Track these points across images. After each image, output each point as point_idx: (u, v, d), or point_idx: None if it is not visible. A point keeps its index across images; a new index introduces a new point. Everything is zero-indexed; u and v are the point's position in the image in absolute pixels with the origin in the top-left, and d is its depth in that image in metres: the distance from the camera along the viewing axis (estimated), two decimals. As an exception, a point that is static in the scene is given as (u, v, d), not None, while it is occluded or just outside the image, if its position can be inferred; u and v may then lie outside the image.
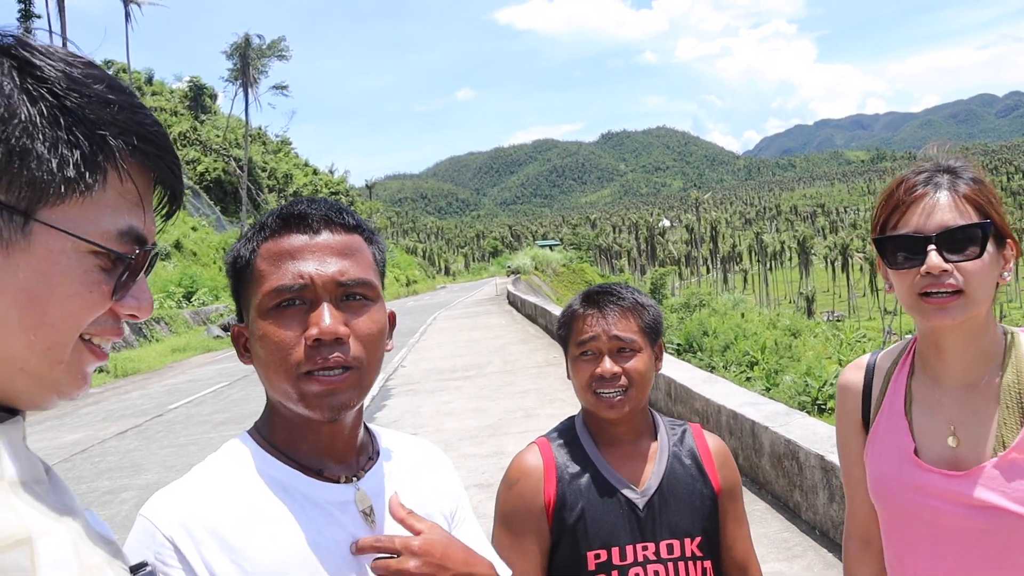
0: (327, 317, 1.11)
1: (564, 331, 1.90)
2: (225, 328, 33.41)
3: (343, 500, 1.18)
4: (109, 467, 10.37)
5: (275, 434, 1.21)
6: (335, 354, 1.11)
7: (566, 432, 1.90)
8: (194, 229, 51.69)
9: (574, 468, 1.82)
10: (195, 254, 47.21)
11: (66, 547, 0.79)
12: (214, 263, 47.08)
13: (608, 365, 1.77)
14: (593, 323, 1.81)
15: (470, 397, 12.36)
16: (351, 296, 1.16)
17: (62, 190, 0.76)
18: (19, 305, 0.77)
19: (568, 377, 1.90)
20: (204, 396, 16.41)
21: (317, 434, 1.19)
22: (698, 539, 1.79)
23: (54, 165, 0.75)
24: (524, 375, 14.03)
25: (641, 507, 1.77)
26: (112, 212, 0.81)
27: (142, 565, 0.95)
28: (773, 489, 5.91)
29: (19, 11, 57.13)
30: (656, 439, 1.87)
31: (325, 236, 1.17)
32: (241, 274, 1.20)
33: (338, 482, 1.20)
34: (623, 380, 1.77)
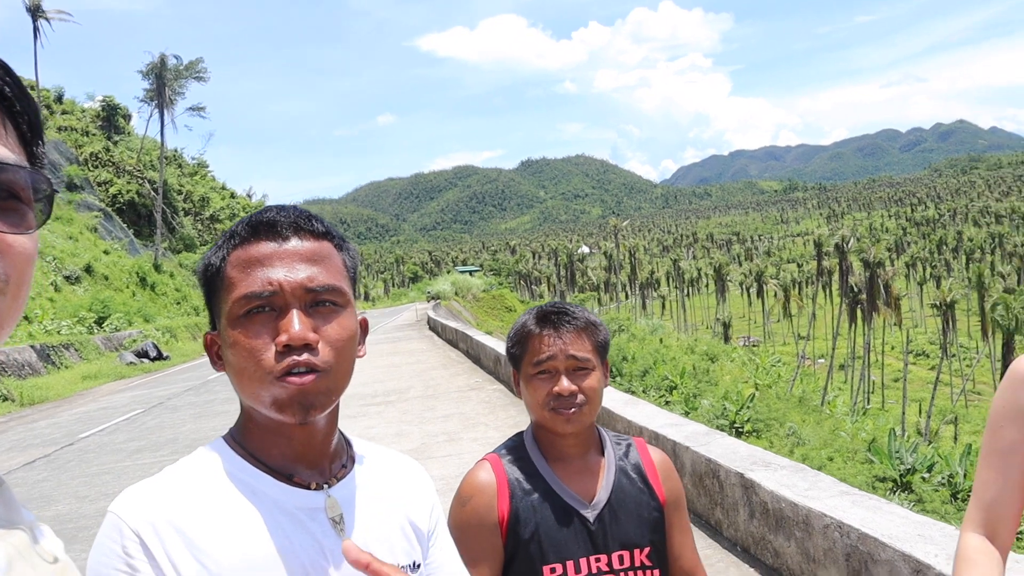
0: (296, 323, 1.13)
1: (518, 350, 1.92)
2: (140, 354, 32.44)
3: (313, 507, 1.19)
4: (19, 498, 9.93)
5: (248, 439, 1.22)
6: (304, 356, 1.12)
7: (515, 448, 1.94)
8: (106, 252, 50.09)
9: (526, 484, 1.86)
10: (107, 278, 45.74)
11: None
12: (127, 287, 45.74)
13: (566, 383, 1.82)
14: (550, 342, 1.85)
15: (392, 422, 12.30)
16: (321, 303, 1.17)
17: None
18: None
19: (516, 395, 1.95)
20: (118, 424, 15.89)
21: (289, 439, 1.20)
22: (647, 549, 1.86)
23: None
24: (446, 399, 14.02)
25: (592, 521, 1.83)
26: None
27: None
28: (695, 507, 6.07)
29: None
30: (603, 454, 1.93)
31: (294, 243, 1.18)
32: (212, 282, 1.21)
33: (309, 488, 1.20)
34: (579, 397, 1.83)
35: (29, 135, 0.86)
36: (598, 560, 1.82)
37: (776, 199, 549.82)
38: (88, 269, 44.38)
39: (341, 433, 1.32)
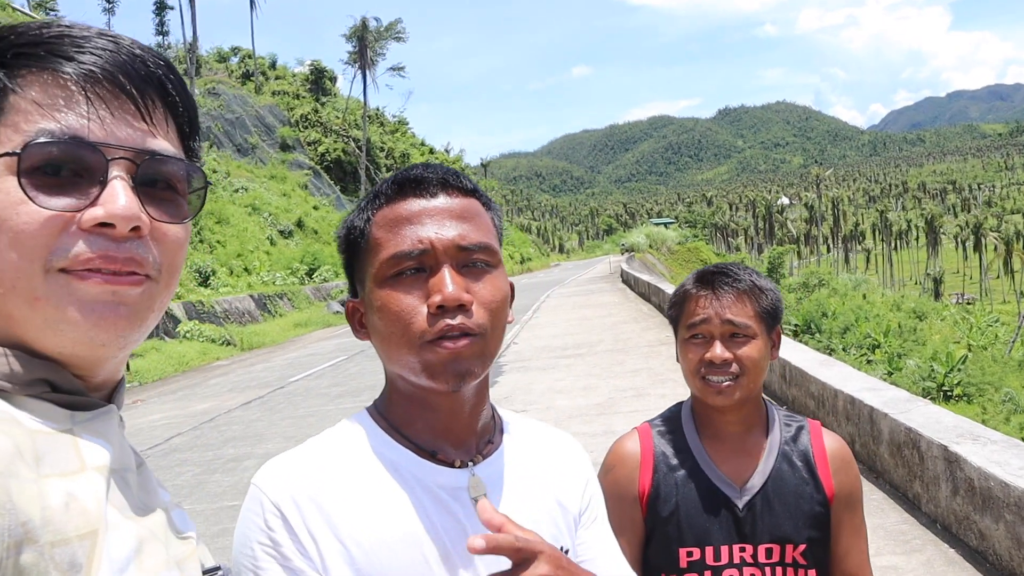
0: (449, 283, 1.06)
1: (675, 311, 1.80)
2: (345, 304, 34.42)
3: (456, 486, 1.14)
4: (234, 436, 10.87)
5: (392, 412, 1.18)
6: (458, 320, 1.06)
7: (670, 420, 1.82)
8: (315, 208, 53.38)
9: (673, 459, 1.75)
10: (316, 232, 48.74)
11: (129, 545, 0.79)
12: (334, 241, 48.23)
13: (718, 350, 1.67)
14: (705, 305, 1.70)
15: (580, 376, 12.36)
16: (473, 263, 1.11)
17: None
18: None
19: (677, 359, 1.81)
20: (323, 369, 16.98)
21: (436, 411, 1.15)
22: (802, 546, 1.68)
23: None
24: (635, 354, 13.93)
25: (741, 507, 1.69)
26: (23, 124, 0.79)
27: (214, 569, 0.94)
28: (891, 479, 5.69)
29: (155, 3, 60.10)
30: (767, 435, 1.76)
31: (443, 199, 1.13)
32: (355, 246, 1.17)
33: (453, 466, 1.15)
34: (734, 367, 1.67)
35: (188, 130, 0.91)
36: (743, 550, 1.68)
37: (1000, 144, 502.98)
38: (299, 224, 47.47)
39: (493, 408, 1.26)
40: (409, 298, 1.08)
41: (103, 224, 0.79)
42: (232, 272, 35.56)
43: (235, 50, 76.92)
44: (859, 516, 1.77)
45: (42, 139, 0.78)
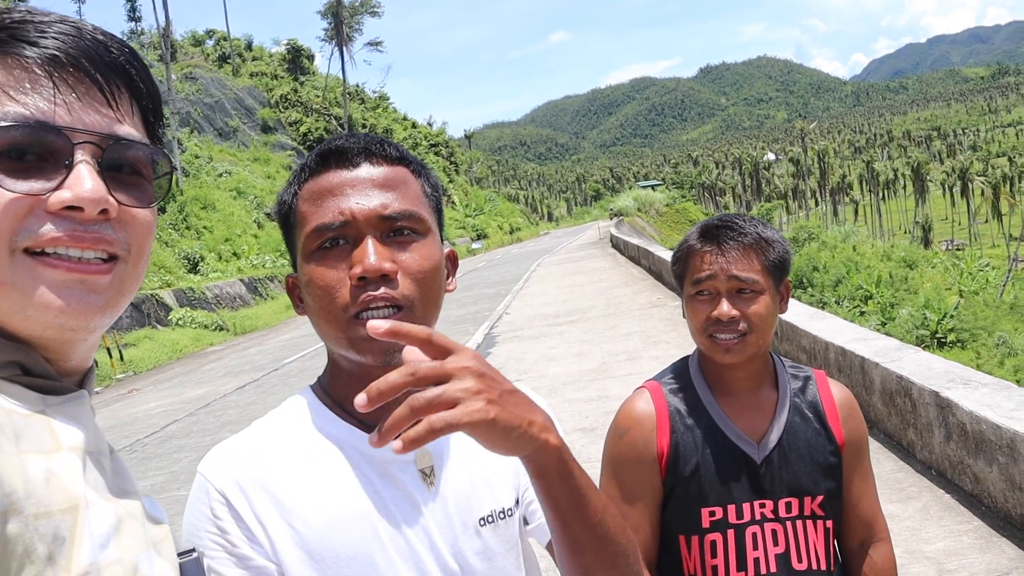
0: (371, 253, 1.05)
1: (679, 267, 1.74)
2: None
3: (402, 459, 1.12)
4: (230, 420, 10.88)
5: (335, 388, 1.16)
6: (381, 290, 1.05)
7: (679, 376, 1.76)
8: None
9: (688, 417, 1.70)
10: (302, 213, 48.49)
11: (108, 523, 0.80)
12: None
13: (725, 307, 1.62)
14: (711, 260, 1.64)
15: (573, 342, 12.38)
16: (398, 231, 1.09)
17: None
18: None
19: (683, 316, 1.76)
20: (317, 349, 16.95)
21: None
22: (820, 497, 1.67)
23: None
24: (627, 318, 13.94)
25: (759, 463, 1.65)
26: None
27: (189, 551, 0.95)
28: (885, 427, 5.72)
29: (124, -13, 59.27)
30: (776, 388, 1.73)
31: (365, 169, 1.10)
32: (287, 220, 1.15)
33: (398, 438, 1.15)
34: (742, 324, 1.62)
35: (152, 117, 0.91)
36: (763, 506, 1.65)
37: (983, 87, 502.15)
38: (285, 205, 47.18)
39: None
40: (333, 271, 1.07)
41: (71, 208, 0.79)
42: (221, 257, 35.45)
43: (210, 33, 76.00)
44: (867, 462, 1.76)
45: (5, 123, 0.78)
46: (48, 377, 0.83)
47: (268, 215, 44.40)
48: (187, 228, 36.07)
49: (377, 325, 0.84)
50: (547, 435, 0.91)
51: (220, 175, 45.76)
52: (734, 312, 1.62)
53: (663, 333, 11.78)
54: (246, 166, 51.33)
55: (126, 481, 0.90)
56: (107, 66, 0.84)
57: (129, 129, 0.86)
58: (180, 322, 24.37)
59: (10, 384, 0.79)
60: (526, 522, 1.24)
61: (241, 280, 31.62)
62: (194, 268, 32.24)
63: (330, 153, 1.12)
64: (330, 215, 1.08)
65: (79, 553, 0.75)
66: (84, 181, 0.80)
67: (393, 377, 0.83)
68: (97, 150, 0.83)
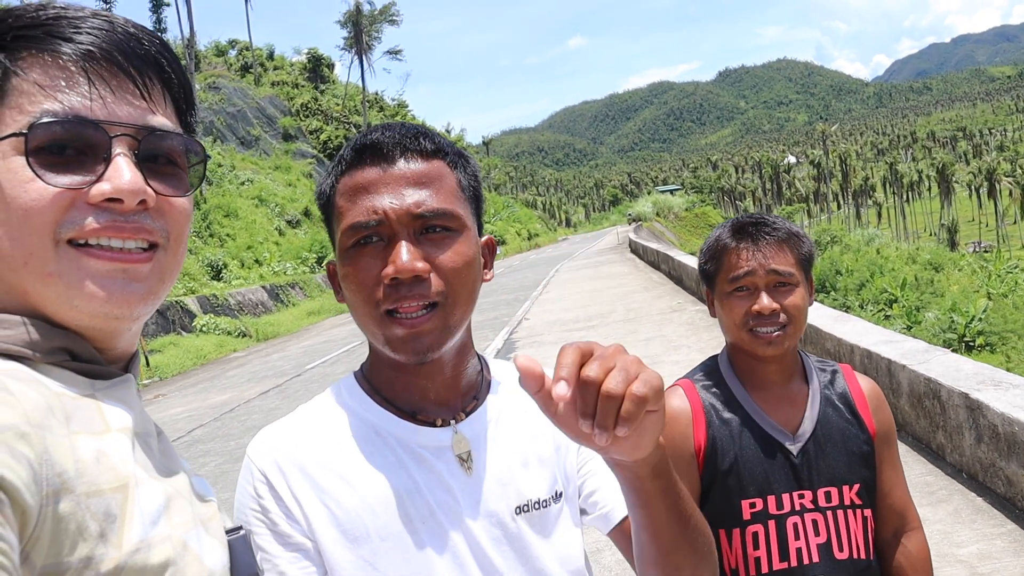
0: (404, 254, 1.06)
1: (712, 265, 1.77)
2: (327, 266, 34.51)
3: (439, 445, 1.14)
4: (254, 424, 10.91)
5: (374, 375, 1.19)
6: (414, 292, 1.06)
7: (711, 373, 1.80)
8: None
9: (724, 412, 1.73)
10: (324, 220, 48.73)
11: (158, 501, 0.82)
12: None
13: (767, 301, 1.67)
14: (748, 256, 1.69)
15: (595, 347, 12.31)
16: (431, 228, 1.09)
17: None
18: None
19: (712, 315, 1.80)
20: (338, 355, 17.03)
21: (414, 375, 1.15)
22: (856, 486, 1.70)
23: None
24: (647, 323, 13.88)
25: (796, 454, 1.68)
26: (27, 105, 0.82)
27: (236, 529, 0.97)
28: (913, 430, 5.65)
29: (151, 1, 60.07)
30: (806, 382, 1.77)
31: (400, 165, 1.11)
32: (326, 210, 1.18)
33: (435, 425, 1.15)
34: (782, 316, 1.67)
35: (184, 106, 0.94)
36: (802, 497, 1.67)
37: (1009, 86, 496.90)
38: (306, 213, 47.45)
39: (482, 361, 1.25)
40: (368, 269, 1.09)
41: (111, 200, 0.82)
42: (243, 264, 35.68)
43: (232, 43, 76.70)
44: (896, 451, 1.80)
45: (46, 119, 0.80)
46: (95, 362, 0.86)
47: (289, 222, 44.71)
48: (210, 236, 36.35)
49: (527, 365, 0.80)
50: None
51: (242, 183, 46.09)
52: (775, 305, 1.67)
53: (683, 338, 11.73)
54: (268, 174, 51.67)
55: (174, 461, 0.93)
56: (140, 58, 0.86)
57: (163, 120, 0.88)
58: (204, 328, 24.54)
59: (60, 369, 0.82)
60: (584, 512, 1.25)
61: (263, 287, 31.81)
62: (217, 275, 32.47)
63: (365, 148, 1.13)
64: (364, 214, 1.09)
65: (130, 530, 0.76)
66: (123, 173, 0.82)
67: (568, 359, 0.81)
68: (133, 142, 0.85)
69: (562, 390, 0.78)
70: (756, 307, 1.67)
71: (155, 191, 0.86)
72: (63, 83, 0.82)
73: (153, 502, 0.81)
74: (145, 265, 0.85)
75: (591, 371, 0.80)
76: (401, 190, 1.09)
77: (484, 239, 1.20)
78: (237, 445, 9.78)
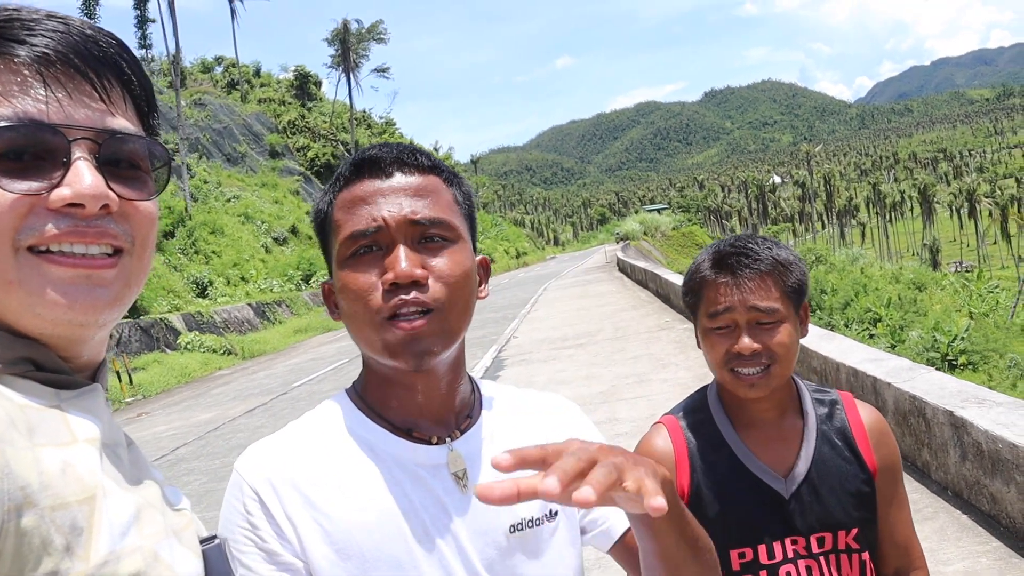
0: (402, 259, 1.07)
1: (692, 299, 1.64)
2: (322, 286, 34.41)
3: (434, 463, 1.14)
4: (239, 443, 10.85)
5: (368, 392, 1.19)
6: (412, 295, 1.07)
7: (697, 410, 1.67)
8: (307, 214, 53.14)
9: (709, 454, 1.60)
10: (310, 237, 48.59)
11: (127, 512, 0.80)
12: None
13: (747, 341, 1.52)
14: (726, 292, 1.54)
15: (582, 365, 12.35)
16: (429, 238, 1.11)
17: None
18: None
19: (698, 346, 1.66)
20: (325, 374, 16.96)
21: (409, 390, 1.15)
22: (854, 531, 1.57)
23: None
24: (636, 340, 13.92)
25: (788, 498, 1.56)
26: None
27: (211, 538, 0.96)
28: (899, 448, 5.68)
29: (136, 17, 60.08)
30: (801, 416, 1.63)
31: (398, 178, 1.13)
32: (323, 228, 1.19)
33: (430, 443, 1.15)
34: (764, 357, 1.53)
35: (146, 108, 0.92)
36: (794, 543, 1.55)
37: (988, 108, 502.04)
38: (293, 230, 47.39)
39: (472, 380, 1.26)
40: (366, 276, 1.09)
41: (72, 205, 0.80)
42: (229, 282, 35.54)
43: (219, 59, 76.62)
44: (901, 488, 1.66)
45: (1, 124, 0.78)
46: (61, 372, 0.84)
47: (276, 240, 44.63)
48: (196, 253, 36.21)
49: (487, 493, 0.74)
50: (663, 471, 0.90)
51: (228, 200, 45.99)
52: (756, 345, 1.53)
53: (672, 356, 11.76)
54: (254, 191, 51.57)
55: (144, 471, 0.91)
56: (97, 60, 0.84)
57: (123, 122, 0.86)
58: (189, 346, 24.42)
59: (23, 380, 0.80)
60: (584, 531, 1.25)
61: (249, 304, 31.70)
62: (203, 292, 32.33)
63: (364, 163, 1.15)
64: (364, 222, 1.10)
65: (97, 542, 0.75)
66: (83, 177, 0.80)
67: (531, 451, 0.79)
68: (94, 145, 0.83)
69: (502, 458, 0.77)
70: (736, 347, 1.54)
71: (118, 195, 0.84)
72: (16, 87, 0.80)
73: (122, 513, 0.79)
74: (110, 271, 0.83)
75: (565, 463, 0.76)
76: (399, 200, 1.11)
77: (479, 258, 1.22)
78: (222, 464, 9.71)
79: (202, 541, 0.94)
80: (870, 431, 1.63)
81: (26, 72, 0.81)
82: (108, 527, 0.77)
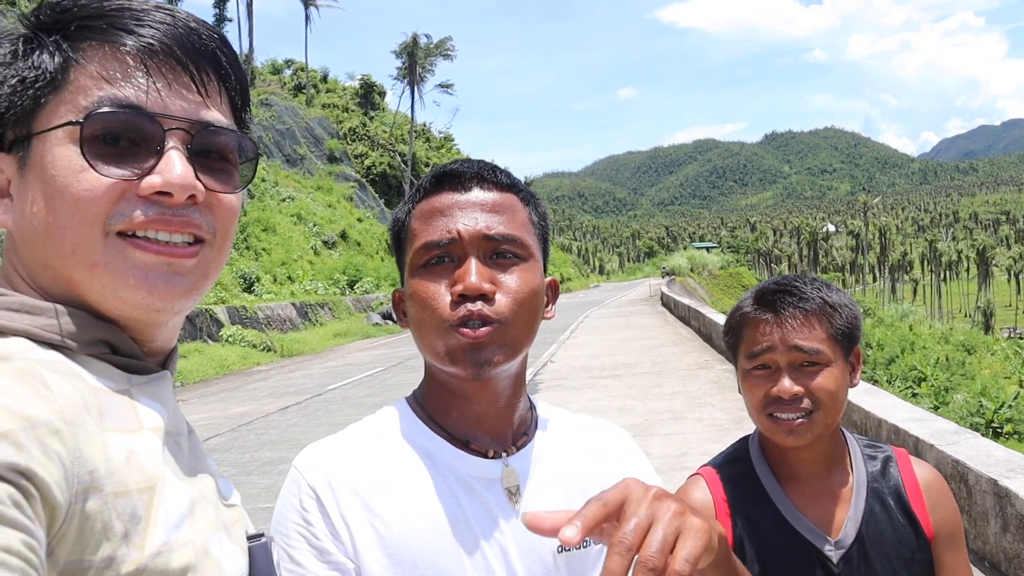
0: (472, 272, 1.09)
1: (732, 337, 1.55)
2: (385, 316, 34.61)
3: (489, 476, 1.15)
4: (271, 439, 10.95)
5: (429, 401, 1.21)
6: (479, 307, 1.09)
7: (738, 461, 1.57)
8: (359, 220, 53.87)
9: (751, 509, 1.49)
10: (359, 244, 49.17)
11: (183, 504, 0.82)
12: (377, 253, 48.88)
13: (787, 384, 1.42)
14: (768, 330, 1.45)
15: (617, 396, 12.25)
16: (501, 253, 1.13)
17: (25, 100, 0.82)
18: (39, 219, 0.82)
19: (739, 391, 1.56)
20: (360, 379, 17.06)
21: (470, 402, 1.17)
22: None
23: (11, 84, 0.83)
24: (673, 377, 13.78)
25: (836, 562, 1.43)
26: (84, 94, 0.82)
27: (258, 535, 0.97)
28: (937, 512, 5.53)
29: (214, 15, 61.76)
30: (851, 471, 1.51)
31: (476, 193, 1.16)
32: (399, 237, 1.21)
33: (487, 456, 1.16)
34: (806, 402, 1.42)
35: (239, 103, 0.95)
36: None
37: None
38: (343, 235, 47.91)
39: (531, 401, 1.27)
40: (436, 285, 1.12)
41: (161, 193, 0.82)
42: (276, 280, 36.00)
43: (288, 62, 78.17)
44: (963, 554, 1.51)
45: (103, 109, 0.81)
46: (134, 357, 0.86)
47: (326, 243, 45.15)
48: (247, 248, 36.76)
49: (538, 524, 0.78)
50: (719, 526, 0.89)
51: (283, 200, 46.69)
52: (797, 388, 1.42)
53: (709, 395, 11.62)
54: (309, 193, 52.31)
55: (202, 462, 0.93)
56: (198, 53, 0.87)
57: (217, 115, 0.88)
58: (230, 339, 24.73)
59: (98, 362, 0.82)
60: None
61: (293, 304, 32.04)
62: (249, 288, 32.78)
63: (444, 176, 1.18)
64: (438, 233, 1.13)
65: (153, 533, 0.76)
66: (174, 167, 0.83)
67: (592, 510, 0.77)
68: (187, 136, 0.85)
69: (570, 534, 0.74)
70: (775, 390, 1.43)
71: (205, 186, 0.86)
72: (120, 75, 0.82)
73: (178, 505, 0.81)
74: (190, 260, 0.86)
75: (625, 536, 0.74)
76: (475, 214, 1.14)
77: (548, 279, 1.23)
78: (251, 458, 9.80)
79: (249, 538, 0.95)
80: (927, 491, 1.51)
81: (130, 61, 0.83)
82: (164, 518, 0.78)
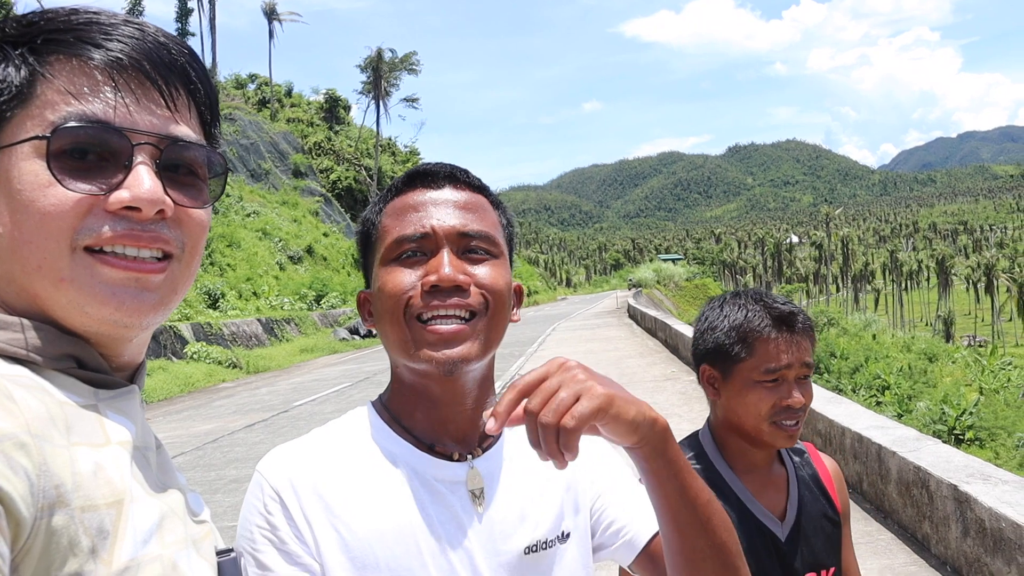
0: (446, 264, 1.10)
1: (741, 350, 1.66)
2: (352, 331, 34.41)
3: (453, 479, 1.15)
4: (237, 457, 10.82)
5: (394, 403, 1.20)
6: (453, 299, 1.09)
7: (697, 456, 1.73)
8: (325, 235, 53.54)
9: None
10: (325, 259, 48.86)
11: (151, 519, 0.81)
12: (343, 268, 48.60)
13: (798, 396, 1.62)
14: (787, 349, 1.63)
15: (586, 408, 12.26)
16: (473, 250, 1.14)
17: None
18: (4, 233, 0.81)
19: (711, 395, 1.74)
20: (327, 395, 16.93)
21: (435, 403, 1.16)
22: (832, 569, 1.69)
23: None
24: (641, 388, 13.83)
25: (783, 539, 1.66)
26: (51, 109, 0.81)
27: (227, 551, 0.97)
28: (900, 519, 5.61)
29: (176, 30, 61.36)
30: (783, 464, 1.76)
31: (449, 191, 1.17)
32: (368, 237, 1.21)
33: (451, 459, 1.16)
34: (802, 411, 1.65)
35: (209, 117, 0.94)
36: None
37: (1012, 185, 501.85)
38: (309, 250, 47.60)
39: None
40: (407, 276, 1.13)
41: (129, 208, 0.82)
42: (241, 295, 35.65)
43: (252, 77, 77.68)
44: (849, 529, 1.82)
45: (71, 123, 0.80)
46: (102, 371, 0.85)
47: (291, 258, 44.84)
48: (211, 264, 36.39)
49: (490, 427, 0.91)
50: (654, 413, 0.98)
51: (248, 215, 46.32)
52: (804, 399, 1.64)
53: (676, 407, 11.69)
54: (274, 208, 51.95)
55: (171, 477, 0.92)
56: (167, 68, 0.86)
57: (186, 130, 0.88)
58: (195, 356, 24.43)
59: (65, 376, 0.81)
60: (603, 546, 1.25)
61: (259, 320, 31.74)
62: (214, 304, 32.43)
63: (417, 175, 1.19)
64: (411, 228, 1.14)
65: (121, 548, 0.75)
66: (143, 182, 0.82)
67: (508, 396, 0.91)
68: (155, 151, 0.84)
69: (489, 426, 0.90)
70: (788, 401, 1.61)
71: (174, 201, 0.85)
72: (88, 89, 0.82)
73: (146, 520, 0.80)
74: (159, 275, 0.85)
75: (532, 404, 0.90)
76: (448, 210, 1.15)
77: (514, 284, 1.23)
78: (217, 476, 9.68)
79: (218, 553, 0.95)
80: (835, 478, 1.78)
81: (98, 75, 0.82)
82: (132, 533, 0.77)
